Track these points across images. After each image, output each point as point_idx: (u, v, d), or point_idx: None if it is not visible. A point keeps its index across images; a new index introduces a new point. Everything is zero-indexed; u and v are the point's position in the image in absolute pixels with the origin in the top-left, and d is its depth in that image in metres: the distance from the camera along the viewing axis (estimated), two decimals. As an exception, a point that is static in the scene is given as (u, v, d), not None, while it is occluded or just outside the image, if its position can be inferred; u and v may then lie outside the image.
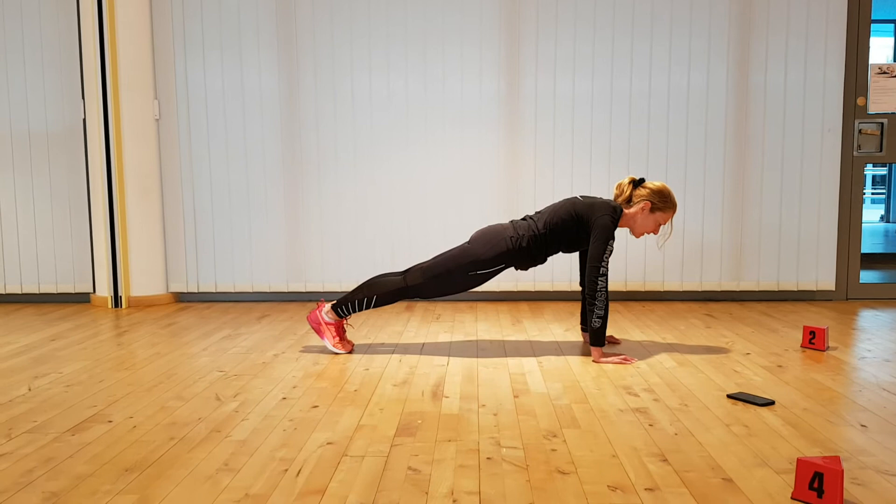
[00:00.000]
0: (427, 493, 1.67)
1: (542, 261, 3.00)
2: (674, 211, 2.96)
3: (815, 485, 1.59)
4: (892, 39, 8.81)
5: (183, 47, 4.22)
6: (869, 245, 7.47)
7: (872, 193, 13.71)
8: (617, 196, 2.99)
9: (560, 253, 2.97)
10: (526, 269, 3.01)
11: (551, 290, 4.30)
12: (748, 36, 4.11)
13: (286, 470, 1.81)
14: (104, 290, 4.26)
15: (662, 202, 2.92)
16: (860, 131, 4.16)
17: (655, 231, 2.98)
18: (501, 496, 1.65)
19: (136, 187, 4.19)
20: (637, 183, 2.96)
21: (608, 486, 1.70)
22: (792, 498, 1.63)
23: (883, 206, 10.75)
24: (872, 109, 4.14)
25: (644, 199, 2.92)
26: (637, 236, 3.01)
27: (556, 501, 1.62)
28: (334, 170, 4.28)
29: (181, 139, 4.27)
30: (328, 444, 1.99)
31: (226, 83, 4.23)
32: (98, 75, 4.10)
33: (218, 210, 4.32)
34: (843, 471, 1.56)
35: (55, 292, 4.42)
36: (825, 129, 4.14)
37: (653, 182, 2.96)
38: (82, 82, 4.26)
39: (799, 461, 1.62)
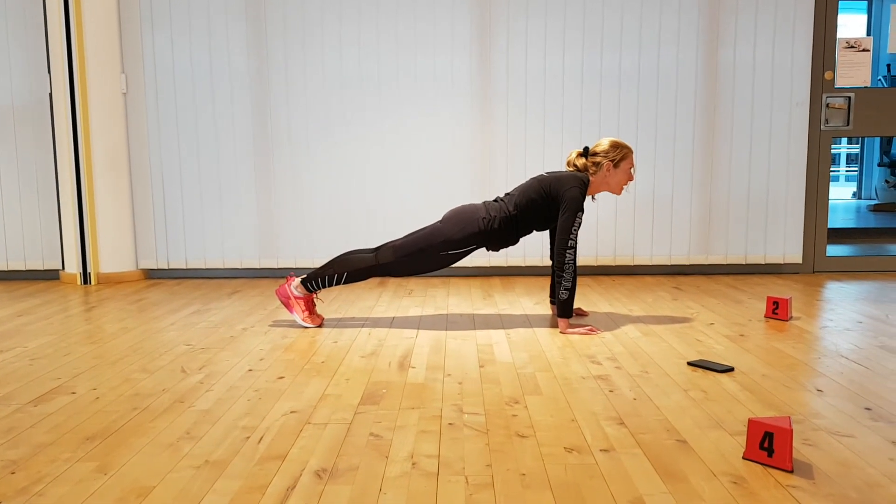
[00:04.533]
0: (387, 457, 1.69)
1: (514, 242, 3.01)
2: (632, 153, 3.02)
3: (766, 444, 1.63)
4: (865, 17, 8.87)
5: (150, 20, 4.16)
6: (841, 221, 7.57)
7: (846, 171, 13.88)
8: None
9: (533, 232, 3.00)
10: (497, 249, 3.03)
11: (523, 265, 4.33)
12: (717, 10, 4.12)
13: (248, 437, 1.82)
14: (73, 266, 4.23)
15: (620, 153, 2.97)
16: (827, 105, 4.21)
17: (631, 178, 3.02)
18: (460, 459, 1.67)
19: (103, 162, 4.15)
20: (585, 153, 3.00)
21: (565, 447, 1.73)
22: (743, 458, 1.66)
23: (856, 183, 10.88)
24: (840, 83, 4.18)
25: (604, 162, 2.95)
26: (619, 193, 3.05)
27: (513, 463, 1.65)
28: (305, 146, 4.26)
29: (149, 113, 4.23)
30: (292, 412, 2.01)
31: (194, 57, 4.18)
32: (64, 48, 4.03)
33: (187, 185, 4.28)
34: (792, 430, 1.60)
35: (24, 269, 4.38)
36: (793, 103, 4.17)
37: (598, 143, 3.01)
38: (48, 55, 4.19)
39: (750, 422, 1.65)
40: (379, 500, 1.48)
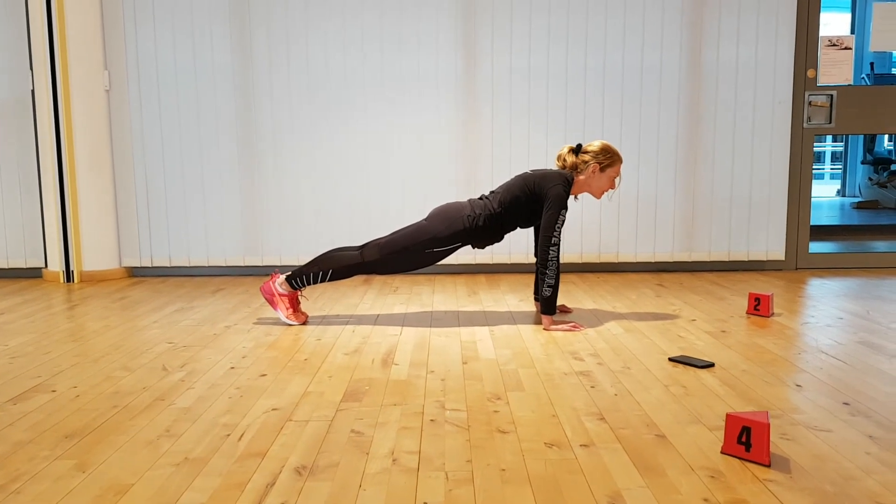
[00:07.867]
0: (368, 453, 1.69)
1: (499, 239, 3.02)
2: (621, 162, 3.01)
3: (744, 439, 1.64)
4: (850, 15, 8.93)
5: (133, 17, 4.13)
6: (825, 218, 7.63)
7: (831, 169, 13.99)
8: (561, 167, 3.02)
9: (518, 229, 3.01)
10: (483, 247, 3.04)
11: (509, 262, 4.33)
12: (701, 10, 4.14)
13: (228, 435, 1.82)
14: (56, 264, 4.20)
15: (609, 159, 2.97)
16: (810, 103, 4.23)
17: (613, 186, 3.02)
18: (441, 454, 1.68)
19: (86, 159, 4.12)
20: (576, 150, 3.00)
21: (545, 443, 1.73)
22: (721, 452, 1.67)
23: (840, 181, 10.96)
24: (822, 81, 4.21)
25: (591, 162, 2.96)
26: (598, 197, 3.05)
27: (493, 458, 1.65)
28: (290, 143, 4.24)
29: (132, 110, 4.20)
30: (273, 410, 2.00)
31: (178, 54, 4.16)
32: (46, 44, 4.00)
33: (171, 183, 4.26)
34: (769, 424, 1.61)
35: (6, 267, 4.34)
36: (776, 101, 4.20)
37: (591, 144, 3.00)
38: (30, 51, 4.16)
39: (728, 416, 1.66)
40: (358, 496, 1.48)
